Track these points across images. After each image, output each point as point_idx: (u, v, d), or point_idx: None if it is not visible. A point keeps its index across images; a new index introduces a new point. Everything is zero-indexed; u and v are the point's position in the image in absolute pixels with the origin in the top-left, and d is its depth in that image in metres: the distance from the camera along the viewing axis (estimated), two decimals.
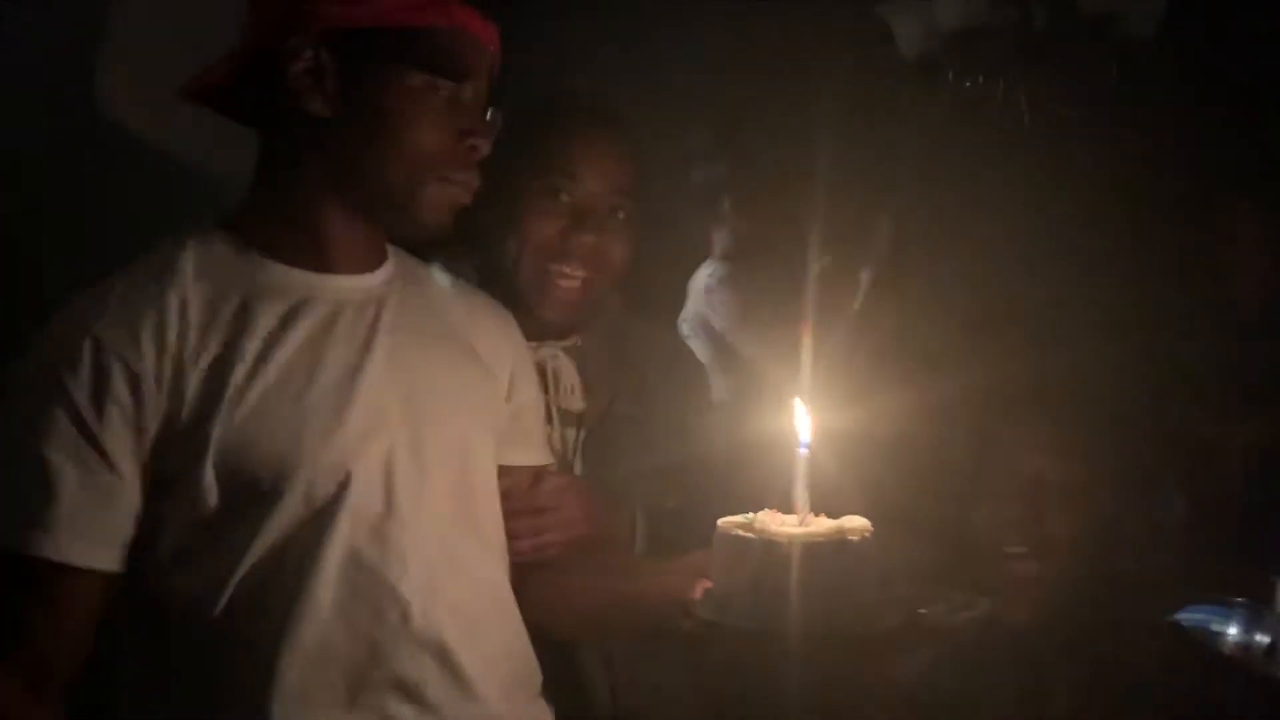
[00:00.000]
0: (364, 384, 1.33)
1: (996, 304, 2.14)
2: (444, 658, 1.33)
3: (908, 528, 1.36)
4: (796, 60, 2.56)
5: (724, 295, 2.37)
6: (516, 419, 1.50)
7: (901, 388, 1.66)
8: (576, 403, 1.65)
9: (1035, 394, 1.67)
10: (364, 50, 1.31)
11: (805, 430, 1.21)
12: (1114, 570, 1.61)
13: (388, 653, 1.30)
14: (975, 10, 2.64)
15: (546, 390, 1.62)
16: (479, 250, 1.62)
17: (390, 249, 1.44)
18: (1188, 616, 1.84)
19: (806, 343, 1.54)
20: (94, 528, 1.26)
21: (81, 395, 1.25)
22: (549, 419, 1.62)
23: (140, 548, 1.29)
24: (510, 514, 1.46)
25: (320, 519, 1.29)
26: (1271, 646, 1.72)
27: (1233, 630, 1.93)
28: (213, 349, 1.29)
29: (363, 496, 1.30)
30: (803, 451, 1.21)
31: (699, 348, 2.21)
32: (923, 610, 1.97)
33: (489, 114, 1.37)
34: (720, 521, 1.23)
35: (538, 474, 1.52)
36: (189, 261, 1.33)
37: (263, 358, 1.30)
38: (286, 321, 1.32)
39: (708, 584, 1.27)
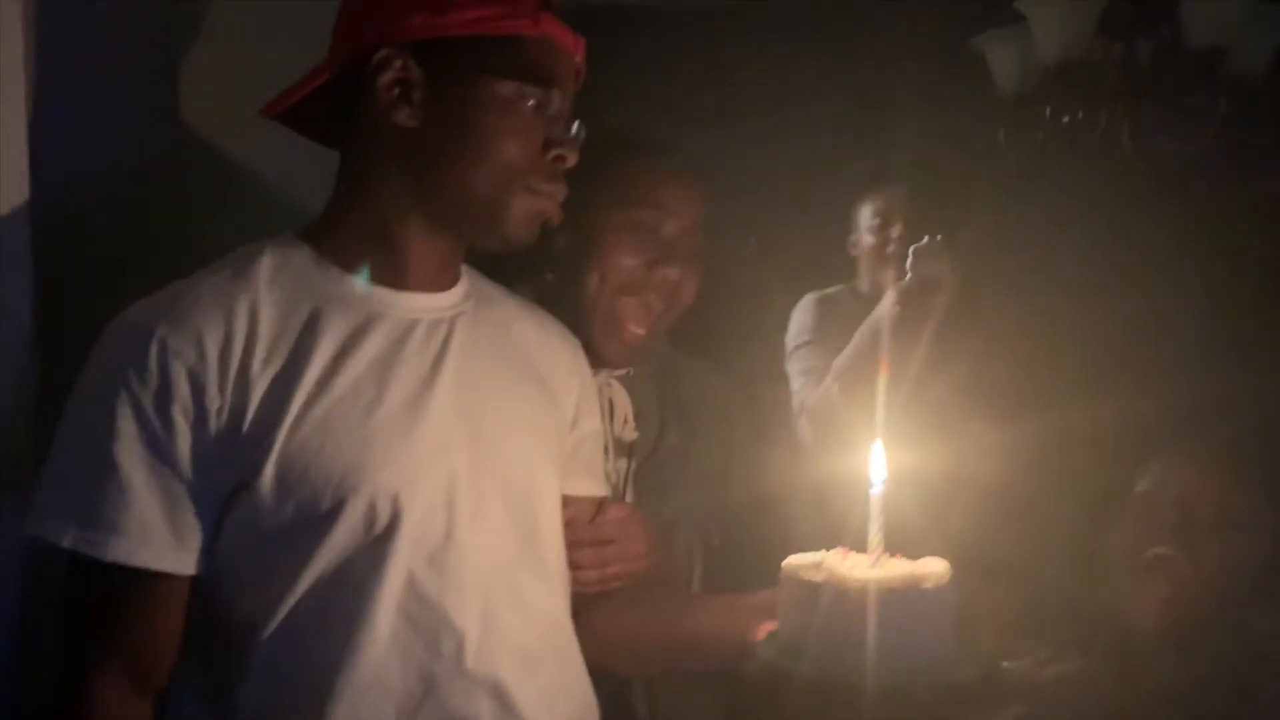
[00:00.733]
0: (431, 406, 1.30)
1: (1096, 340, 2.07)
2: (499, 694, 1.29)
3: (987, 574, 1.29)
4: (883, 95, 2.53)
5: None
6: (579, 448, 1.47)
7: (983, 424, 1.59)
8: (630, 433, 1.62)
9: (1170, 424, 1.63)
10: (451, 60, 1.30)
11: (881, 469, 1.15)
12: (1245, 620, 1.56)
13: (441, 687, 1.26)
14: (1076, 43, 2.57)
15: (602, 420, 1.58)
16: (544, 277, 1.60)
17: (464, 269, 1.41)
18: None
19: (884, 379, 1.49)
20: (166, 531, 1.25)
21: (146, 397, 1.24)
22: (604, 449, 1.59)
23: (205, 557, 1.27)
24: (574, 545, 1.42)
25: (379, 543, 1.26)
26: None
27: None
28: (281, 358, 1.27)
29: (423, 522, 1.27)
30: (877, 491, 1.14)
31: None
32: (1007, 664, 1.90)
33: (575, 127, 1.35)
34: (787, 561, 1.17)
35: (600, 505, 1.48)
36: (263, 269, 1.31)
37: (332, 371, 1.27)
38: (357, 336, 1.30)
39: (772, 626, 1.21)
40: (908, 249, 2.32)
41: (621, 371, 1.64)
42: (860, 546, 1.16)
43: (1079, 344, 2.04)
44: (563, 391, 1.45)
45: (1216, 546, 1.57)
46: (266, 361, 1.26)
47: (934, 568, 1.13)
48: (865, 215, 2.61)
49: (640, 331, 1.60)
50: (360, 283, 1.32)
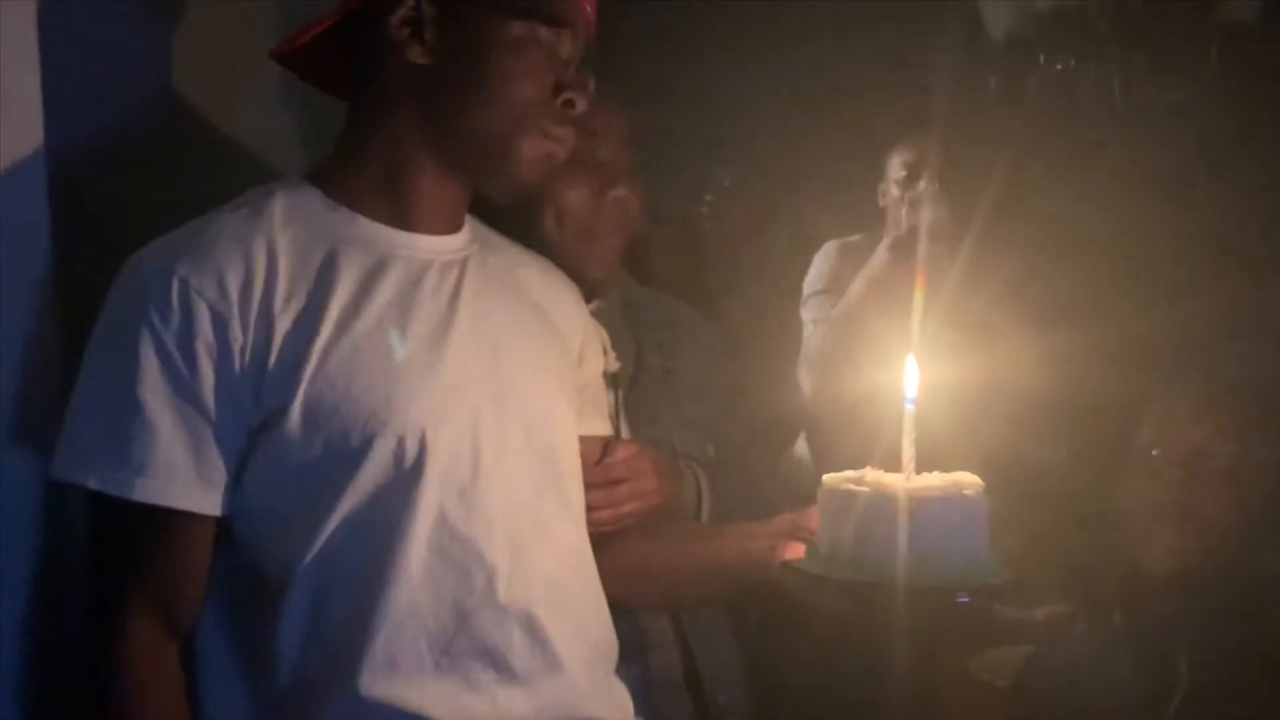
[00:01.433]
0: (451, 345, 1.32)
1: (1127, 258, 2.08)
2: (530, 626, 1.31)
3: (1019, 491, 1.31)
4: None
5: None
6: (585, 389, 1.49)
7: (1022, 340, 1.61)
8: (612, 363, 1.64)
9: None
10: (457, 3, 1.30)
11: (913, 385, 1.17)
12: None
13: (474, 619, 1.28)
14: None
15: None
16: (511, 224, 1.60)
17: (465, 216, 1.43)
18: None
19: (919, 294, 1.50)
20: (192, 470, 1.25)
21: (169, 336, 1.25)
22: None
23: (232, 496, 1.28)
24: (586, 486, 1.44)
25: (408, 479, 1.27)
26: None
27: None
28: (302, 296, 1.28)
29: (451, 458, 1.29)
30: (909, 407, 1.16)
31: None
32: (999, 606, 1.93)
33: (586, 78, 1.36)
34: (826, 477, 1.19)
35: (607, 444, 1.50)
36: (277, 209, 1.32)
37: (353, 310, 1.28)
38: (374, 276, 1.31)
39: (798, 548, 1.23)
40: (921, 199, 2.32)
41: (591, 305, 1.65)
42: (891, 466, 1.18)
43: (1113, 258, 2.05)
44: (569, 333, 1.47)
45: (1223, 491, 1.58)
46: (288, 299, 1.27)
47: (968, 478, 1.15)
48: (894, 165, 2.59)
49: (607, 264, 1.64)
50: (373, 224, 1.33)
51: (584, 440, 1.46)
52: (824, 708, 1.79)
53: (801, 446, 2.37)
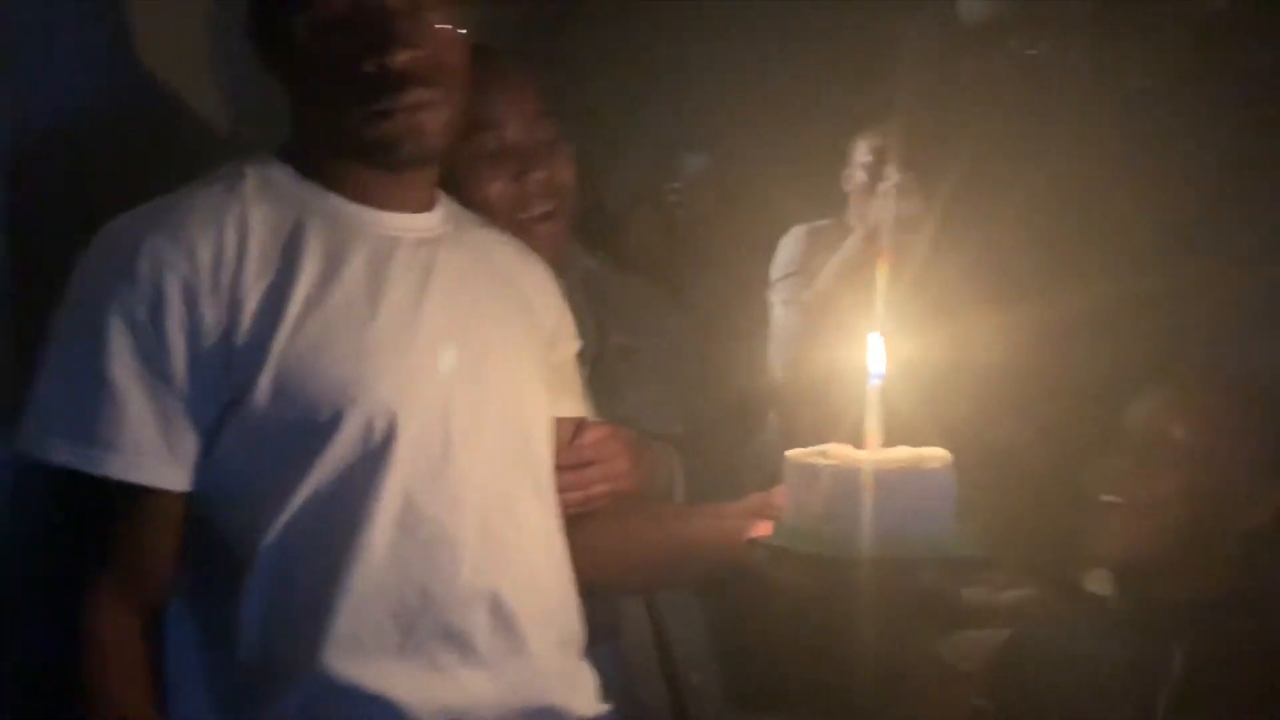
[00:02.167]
0: (423, 324, 1.30)
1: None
2: (496, 608, 1.30)
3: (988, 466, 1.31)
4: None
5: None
6: (558, 370, 1.48)
7: (987, 314, 1.60)
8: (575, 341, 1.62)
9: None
10: None
11: (879, 362, 1.16)
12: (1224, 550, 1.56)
13: (439, 600, 1.27)
14: None
15: None
16: None
17: (441, 195, 1.41)
18: None
19: (883, 271, 1.50)
20: (160, 445, 1.24)
21: (139, 309, 1.23)
22: None
23: (199, 472, 1.26)
24: (556, 468, 1.42)
25: (376, 458, 1.25)
26: None
27: None
28: (272, 270, 1.26)
29: (420, 437, 1.27)
30: (875, 383, 1.16)
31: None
32: (964, 590, 1.93)
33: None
34: (789, 453, 1.18)
35: (578, 426, 1.49)
36: (250, 183, 1.30)
37: (323, 285, 1.27)
38: (343, 251, 1.29)
39: (766, 527, 1.22)
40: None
41: None
42: (856, 442, 1.17)
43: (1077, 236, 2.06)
44: (543, 314, 1.45)
45: (1180, 482, 1.56)
46: (259, 273, 1.25)
47: (935, 453, 1.15)
48: (860, 150, 2.61)
49: (554, 236, 1.60)
50: (342, 200, 1.31)
51: (557, 422, 1.45)
52: (793, 687, 1.79)
53: (774, 431, 2.37)
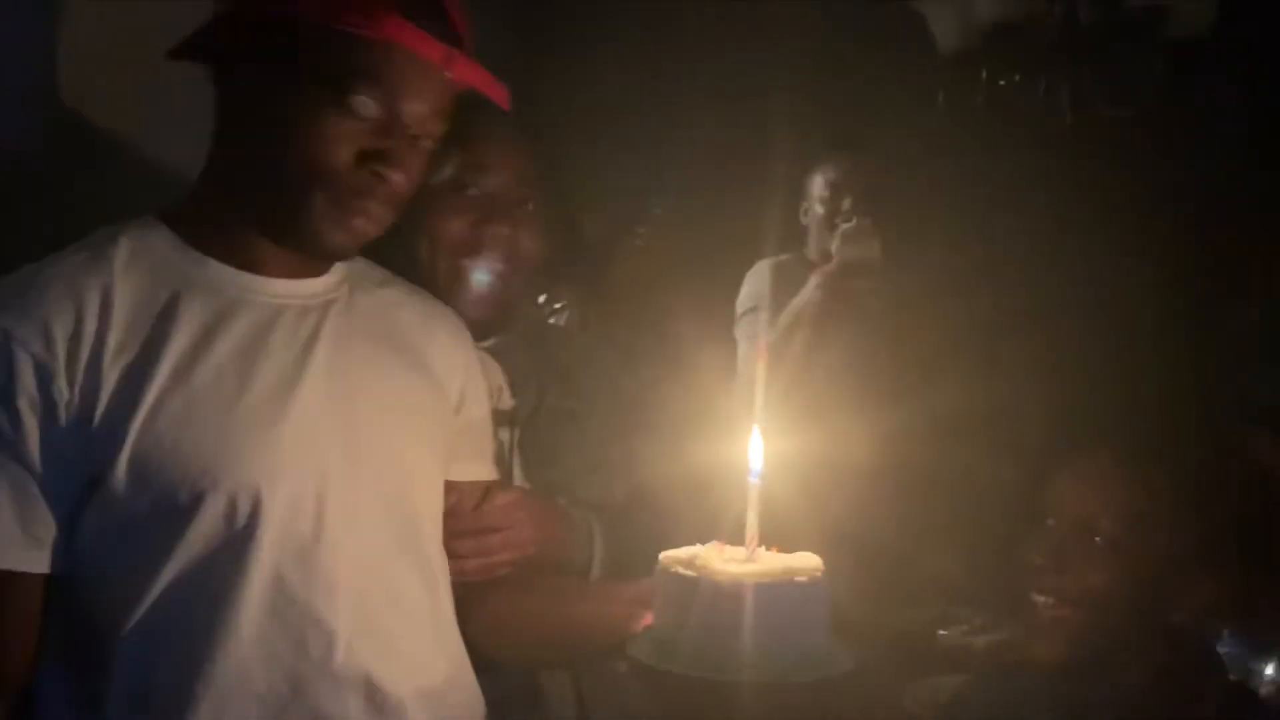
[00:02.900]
0: (299, 397, 1.26)
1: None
2: (370, 693, 1.26)
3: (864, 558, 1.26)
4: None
5: None
6: (465, 432, 1.42)
7: (862, 409, 1.56)
8: (506, 401, 1.57)
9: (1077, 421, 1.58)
10: (271, 40, 1.23)
11: (758, 459, 1.12)
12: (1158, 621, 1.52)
13: (309, 688, 1.23)
14: (1015, 4, 2.53)
15: None
16: (389, 251, 1.51)
17: None
18: (1226, 651, 1.74)
19: (763, 364, 1.46)
20: (16, 528, 1.21)
21: None
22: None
23: (61, 553, 1.23)
24: (457, 533, 1.38)
25: (241, 540, 1.22)
26: None
27: (1270, 670, 1.82)
28: (135, 347, 1.22)
29: (288, 519, 1.23)
30: (754, 480, 1.12)
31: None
32: (942, 632, 1.88)
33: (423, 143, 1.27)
34: (663, 555, 1.14)
35: (487, 490, 1.44)
36: (120, 253, 1.26)
37: (191, 360, 1.23)
38: (218, 323, 1.25)
39: (650, 618, 1.19)
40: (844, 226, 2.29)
41: (487, 342, 1.59)
42: (738, 538, 1.13)
43: (954, 331, 2.02)
44: (446, 376, 1.40)
45: (1105, 579, 1.52)
46: (120, 350, 1.21)
47: (808, 562, 1.10)
48: (817, 184, 2.58)
49: (488, 295, 1.55)
50: (223, 267, 1.27)
51: (464, 486, 1.41)
52: None
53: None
